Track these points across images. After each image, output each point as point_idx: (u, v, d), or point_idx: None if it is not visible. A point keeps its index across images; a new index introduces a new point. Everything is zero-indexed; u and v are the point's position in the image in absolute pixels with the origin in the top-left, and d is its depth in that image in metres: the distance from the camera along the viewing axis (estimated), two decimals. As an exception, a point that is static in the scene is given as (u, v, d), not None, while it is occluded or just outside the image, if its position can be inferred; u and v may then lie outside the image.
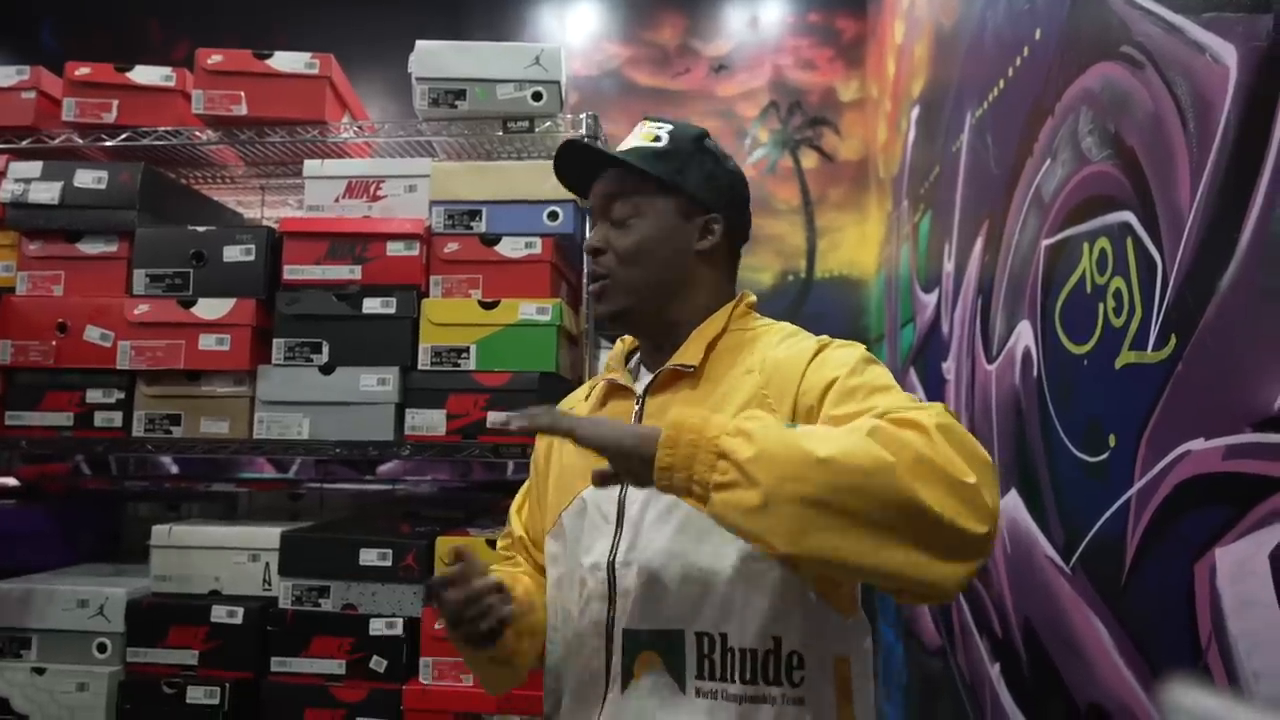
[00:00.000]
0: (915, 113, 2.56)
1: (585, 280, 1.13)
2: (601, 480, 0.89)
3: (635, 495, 1.02)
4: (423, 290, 1.87)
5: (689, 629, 0.96)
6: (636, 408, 1.07)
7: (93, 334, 1.87)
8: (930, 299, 2.31)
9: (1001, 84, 1.70)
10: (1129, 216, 1.14)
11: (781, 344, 1.05)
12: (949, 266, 2.10)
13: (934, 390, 2.24)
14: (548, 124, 1.94)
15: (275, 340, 1.85)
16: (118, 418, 1.88)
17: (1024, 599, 1.52)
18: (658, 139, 1.09)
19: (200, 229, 1.92)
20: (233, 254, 1.88)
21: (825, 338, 1.04)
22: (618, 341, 1.22)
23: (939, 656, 2.18)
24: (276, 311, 1.86)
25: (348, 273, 1.85)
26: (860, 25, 3.52)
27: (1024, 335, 1.53)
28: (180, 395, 1.87)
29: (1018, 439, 1.55)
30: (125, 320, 1.86)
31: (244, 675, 1.75)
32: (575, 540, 1.06)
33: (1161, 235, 1.05)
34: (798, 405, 0.95)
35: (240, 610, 1.76)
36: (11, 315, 1.90)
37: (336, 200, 1.93)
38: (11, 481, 2.57)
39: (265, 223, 2.42)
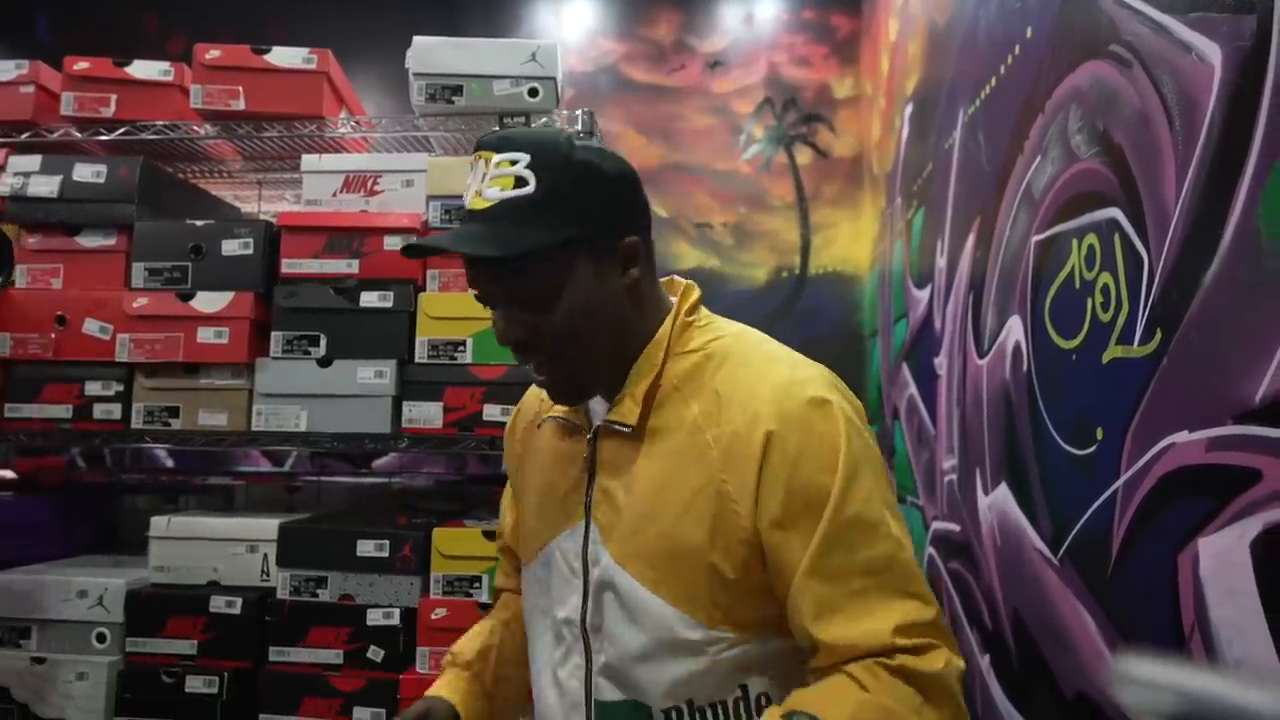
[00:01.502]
0: (909, 110, 2.58)
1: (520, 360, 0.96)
2: None
3: (594, 557, 0.95)
4: (420, 284, 1.89)
5: (656, 707, 0.91)
6: (586, 454, 0.97)
7: (92, 327, 1.88)
8: (923, 295, 2.33)
9: (994, 81, 1.72)
10: (1116, 213, 1.16)
11: (733, 379, 0.92)
12: (941, 262, 2.12)
13: (926, 385, 2.26)
14: (544, 120, 1.96)
15: (273, 333, 1.87)
16: (116, 410, 1.89)
17: (1013, 591, 1.54)
18: (522, 181, 0.86)
19: (199, 223, 1.93)
20: (231, 248, 1.89)
21: (779, 389, 0.89)
22: None
23: None
24: (274, 305, 1.88)
25: (345, 267, 1.87)
26: (855, 22, 3.54)
27: (1014, 330, 1.54)
28: (179, 388, 1.88)
29: (1008, 433, 1.57)
30: (124, 313, 1.87)
31: (242, 665, 1.76)
32: (547, 587, 1.00)
33: (1148, 231, 1.07)
34: (760, 520, 0.86)
35: (239, 600, 1.77)
36: (11, 308, 1.91)
37: (334, 195, 1.94)
38: (9, 474, 2.58)
39: (263, 217, 2.43)
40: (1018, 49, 1.58)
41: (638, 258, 0.93)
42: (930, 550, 2.17)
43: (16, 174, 1.94)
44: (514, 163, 0.86)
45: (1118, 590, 1.13)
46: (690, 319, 0.98)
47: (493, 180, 0.87)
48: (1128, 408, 1.10)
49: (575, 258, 0.89)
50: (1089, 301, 1.23)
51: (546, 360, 0.92)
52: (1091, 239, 1.23)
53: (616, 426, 0.94)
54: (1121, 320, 1.13)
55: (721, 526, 0.88)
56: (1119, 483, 1.12)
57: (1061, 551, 1.31)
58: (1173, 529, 0.99)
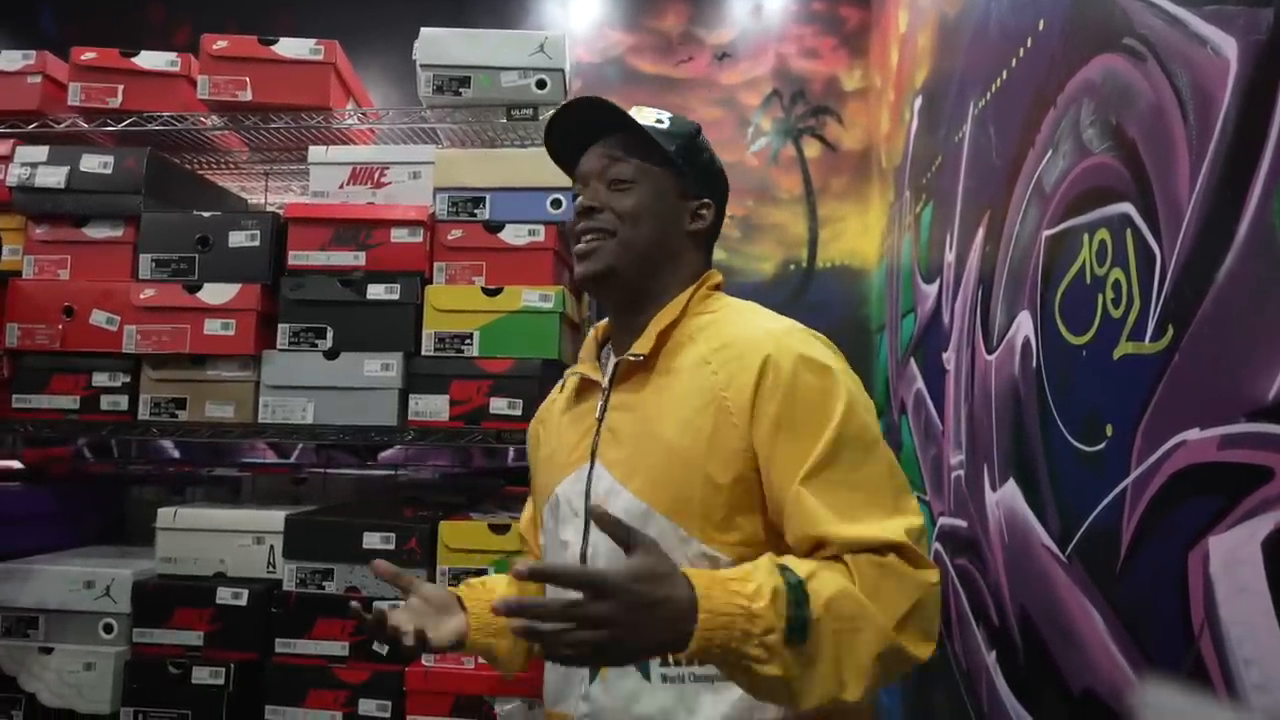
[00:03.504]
0: (918, 103, 2.56)
1: (571, 239, 1.11)
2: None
3: (598, 489, 1.04)
4: (426, 276, 1.88)
5: None
6: (601, 402, 1.09)
7: (99, 318, 1.89)
8: (931, 289, 2.32)
9: (1004, 74, 1.71)
10: (1128, 208, 1.15)
11: (736, 328, 1.06)
12: (950, 257, 2.11)
13: (934, 380, 2.25)
14: (551, 111, 1.94)
15: (280, 325, 1.87)
16: (123, 401, 1.89)
17: (1021, 587, 1.54)
18: (660, 121, 1.10)
19: (205, 214, 1.93)
20: (238, 239, 1.89)
21: (778, 330, 1.03)
22: (590, 330, 1.22)
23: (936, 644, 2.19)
24: (281, 297, 1.88)
25: (352, 259, 1.87)
26: (864, 14, 3.52)
27: (1024, 326, 1.54)
28: (186, 379, 1.89)
29: (1016, 429, 1.56)
30: (131, 304, 1.88)
31: (248, 656, 1.77)
32: (553, 533, 1.10)
33: (1160, 227, 1.06)
34: (755, 433, 0.97)
35: (245, 592, 1.78)
36: (18, 299, 1.91)
37: (341, 186, 1.94)
38: (16, 464, 2.59)
39: (269, 208, 2.43)
40: (1029, 42, 1.56)
41: (705, 221, 1.13)
42: (937, 546, 2.17)
43: (24, 164, 1.94)
44: (659, 119, 1.11)
45: (1126, 588, 1.13)
46: (712, 291, 1.14)
47: (643, 115, 1.10)
48: (1138, 404, 1.09)
49: (668, 179, 1.10)
50: (1100, 297, 1.22)
51: (600, 230, 1.07)
52: (1103, 234, 1.22)
53: (631, 357, 1.06)
54: (1133, 316, 1.12)
55: (719, 438, 0.98)
56: (1128, 480, 1.12)
57: (1070, 548, 1.30)
58: (1183, 527, 0.98)
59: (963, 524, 1.91)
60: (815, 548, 0.94)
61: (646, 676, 0.97)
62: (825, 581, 0.88)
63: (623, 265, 1.07)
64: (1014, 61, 1.64)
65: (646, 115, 1.11)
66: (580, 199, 1.10)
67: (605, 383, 1.10)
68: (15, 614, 1.80)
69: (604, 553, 1.01)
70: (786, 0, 3.57)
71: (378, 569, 1.09)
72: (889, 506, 0.95)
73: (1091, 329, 1.24)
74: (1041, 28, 1.50)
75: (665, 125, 1.10)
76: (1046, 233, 1.44)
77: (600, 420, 1.08)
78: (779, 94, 3.54)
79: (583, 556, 1.03)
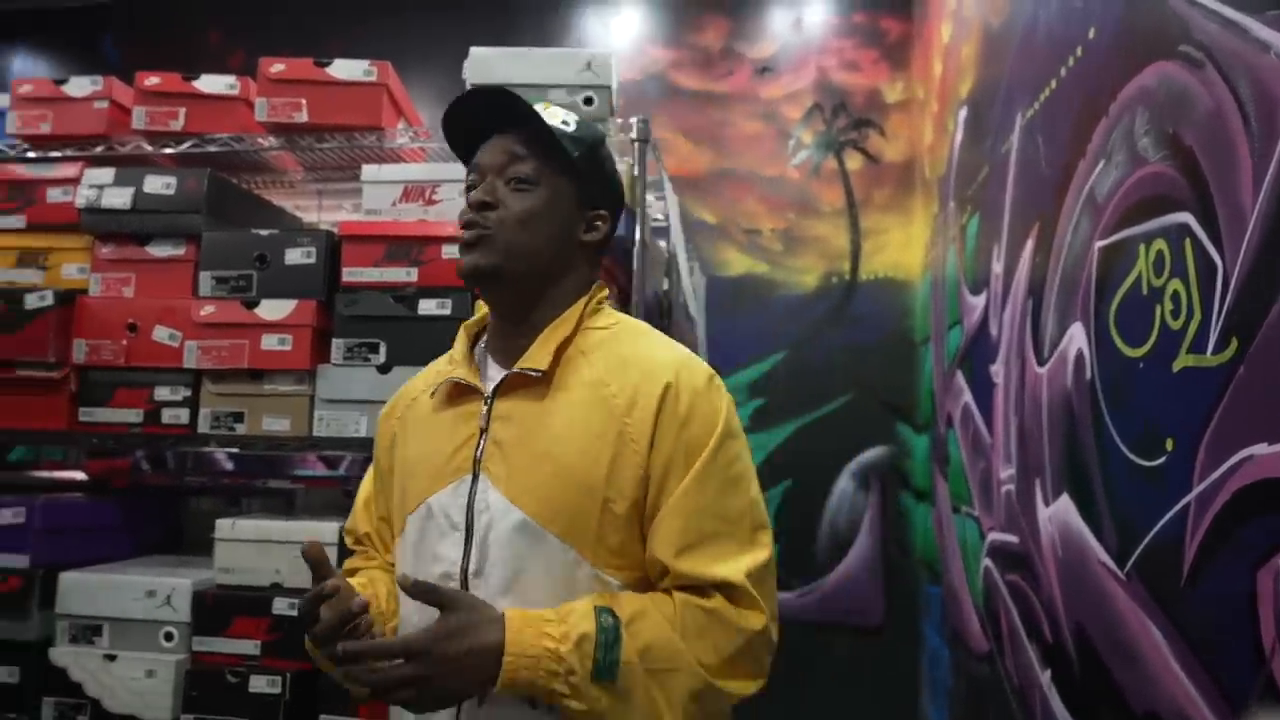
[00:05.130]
0: (963, 113, 2.54)
1: (461, 229, 1.06)
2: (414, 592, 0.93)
3: (483, 505, 1.00)
4: (477, 292, 1.91)
5: None
6: (485, 409, 1.04)
7: (161, 334, 1.94)
8: (978, 301, 2.30)
9: (1053, 84, 1.69)
10: (1187, 218, 1.13)
11: (634, 349, 1.06)
12: (998, 268, 2.09)
13: (982, 393, 2.23)
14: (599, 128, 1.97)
15: (334, 340, 1.91)
16: (184, 415, 1.94)
17: (1076, 604, 1.51)
18: (566, 123, 1.06)
19: (263, 232, 1.98)
20: (294, 256, 1.93)
21: (677, 359, 1.04)
22: (461, 330, 1.15)
23: (987, 662, 2.16)
24: (336, 312, 1.92)
25: (404, 275, 1.90)
26: (906, 26, 3.51)
27: (1077, 338, 1.52)
28: (243, 394, 1.93)
29: (1069, 442, 1.54)
30: (192, 321, 1.93)
31: (304, 666, 1.80)
32: (420, 545, 1.04)
33: (1222, 236, 1.04)
34: (653, 460, 0.99)
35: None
36: (86, 315, 1.98)
37: (393, 204, 1.98)
38: (80, 476, 2.67)
39: (322, 226, 2.48)
40: (1080, 50, 1.55)
41: (599, 233, 1.11)
42: (987, 561, 2.14)
43: (92, 186, 2.01)
44: (565, 121, 1.07)
45: (1190, 606, 1.10)
46: (600, 306, 1.12)
47: (549, 114, 1.06)
48: (1200, 418, 1.07)
49: (568, 185, 1.06)
50: (1157, 309, 1.20)
51: (487, 229, 1.03)
52: (1160, 244, 1.20)
53: (528, 372, 1.03)
54: (1193, 328, 1.10)
55: (619, 464, 0.99)
56: (1191, 495, 1.09)
57: (1129, 565, 1.28)
58: (1251, 544, 0.96)
59: (1014, 539, 1.89)
60: (660, 572, 0.99)
61: (533, 705, 0.96)
62: (647, 624, 0.94)
63: (510, 266, 1.03)
64: (1063, 70, 1.63)
65: (554, 115, 1.06)
66: (475, 192, 1.05)
67: (489, 390, 1.05)
68: (81, 622, 1.85)
69: (490, 563, 0.99)
70: (827, 14, 3.57)
71: (309, 552, 1.00)
72: (744, 540, 1.00)
73: (1149, 341, 1.23)
74: (1092, 36, 1.49)
75: (571, 129, 1.06)
76: (1100, 243, 1.42)
77: (484, 430, 1.03)
78: (820, 107, 3.53)
79: (465, 572, 1.00)
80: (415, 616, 1.01)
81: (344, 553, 1.81)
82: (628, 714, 0.93)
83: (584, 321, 1.08)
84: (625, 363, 1.04)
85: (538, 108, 1.06)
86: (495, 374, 1.07)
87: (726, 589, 0.97)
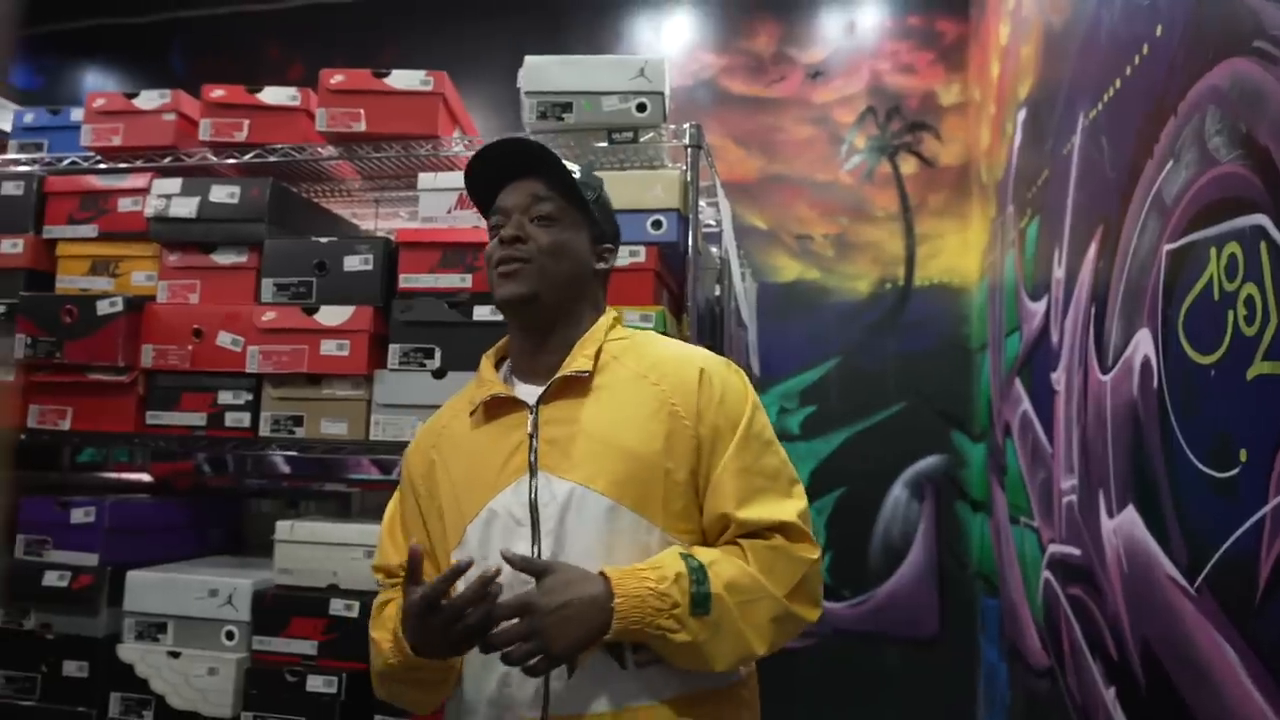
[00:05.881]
0: (1022, 115, 2.49)
1: (491, 266, 1.21)
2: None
3: (548, 497, 1.12)
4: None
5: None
6: (531, 417, 1.16)
7: (225, 339, 2.00)
8: (1038, 307, 2.24)
9: (1118, 83, 1.65)
10: (1263, 220, 1.09)
11: (657, 350, 1.22)
12: (1059, 273, 2.04)
13: (1042, 401, 2.17)
14: (651, 134, 1.97)
15: (391, 346, 1.94)
16: (246, 418, 1.99)
17: (1142, 619, 1.46)
18: (573, 171, 1.22)
19: (323, 240, 2.02)
20: (353, 264, 1.97)
21: (700, 351, 1.24)
22: (483, 359, 1.28)
23: (1047, 678, 2.11)
24: (392, 318, 1.95)
25: (459, 281, 1.93)
26: (962, 27, 3.45)
27: (1143, 344, 1.47)
28: (303, 398, 1.97)
29: (1135, 452, 1.49)
30: (254, 326, 1.98)
31: (360, 666, 1.82)
32: (485, 547, 1.12)
33: (1300, 240, 1.00)
34: (700, 430, 1.15)
35: (356, 604, 1.84)
36: (154, 321, 2.04)
37: (449, 211, 2.01)
38: (146, 477, 2.76)
39: (379, 233, 2.53)
40: (1146, 49, 1.51)
41: (608, 263, 1.28)
42: (1047, 574, 2.08)
43: (160, 196, 2.07)
44: (572, 169, 1.23)
45: (1266, 623, 1.06)
46: (616, 323, 1.27)
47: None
48: (1276, 428, 1.03)
49: (582, 222, 1.22)
50: (1230, 314, 1.16)
51: (521, 258, 1.17)
52: (1233, 247, 1.16)
53: (578, 374, 1.16)
54: (1269, 334, 1.06)
55: (674, 438, 1.14)
56: (1267, 508, 1.05)
57: (1199, 580, 1.24)
58: (1332, 558, 0.92)
59: (1076, 552, 1.83)
60: (722, 527, 1.14)
61: (623, 665, 1.07)
62: (725, 565, 1.08)
63: (544, 291, 1.17)
64: (1128, 70, 1.59)
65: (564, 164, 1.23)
66: (506, 229, 1.18)
67: (532, 401, 1.17)
68: (147, 620, 1.91)
69: (567, 547, 1.10)
70: (881, 16, 3.53)
71: (505, 555, 1.05)
72: (785, 490, 1.16)
73: (1221, 348, 1.18)
74: (1159, 33, 1.45)
75: (579, 175, 1.22)
76: (1168, 247, 1.38)
77: (533, 435, 1.15)
78: (873, 111, 3.49)
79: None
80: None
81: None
82: (721, 641, 1.06)
83: (608, 335, 1.23)
84: (656, 359, 1.20)
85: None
86: (525, 389, 1.20)
87: (784, 529, 1.12)
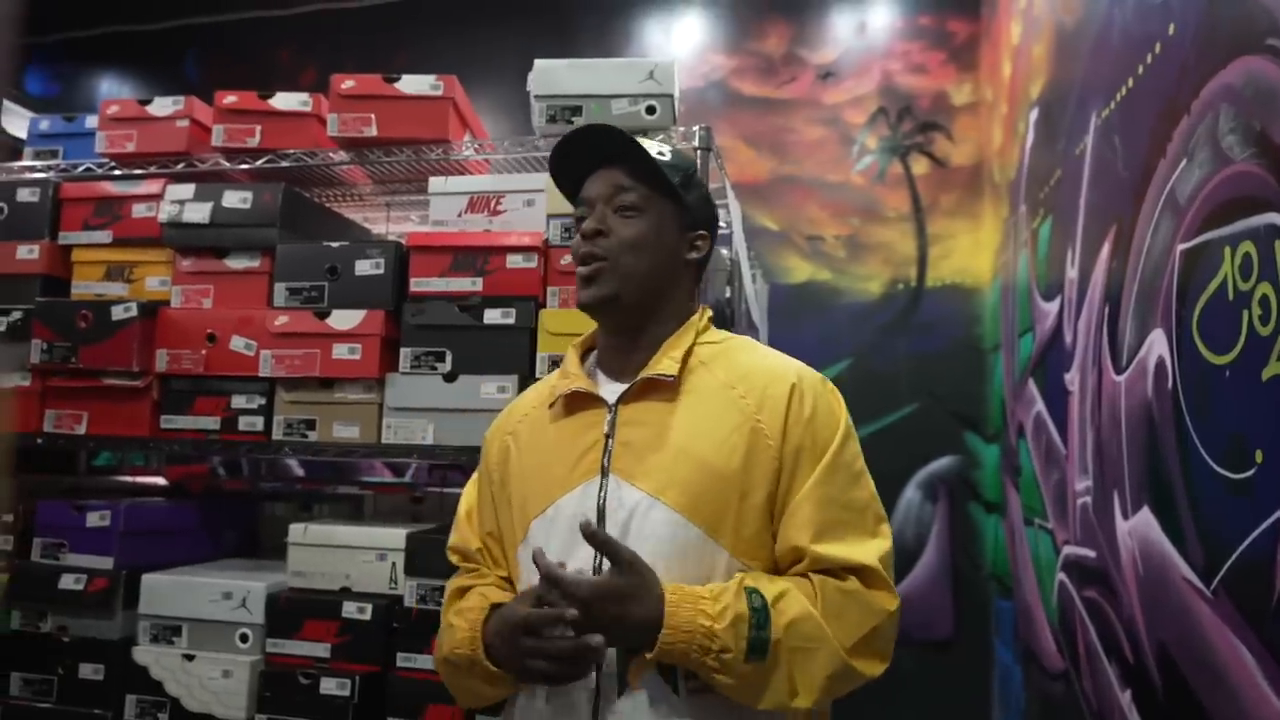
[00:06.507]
0: (1034, 115, 2.48)
1: (576, 261, 1.15)
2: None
3: (616, 504, 1.06)
4: (540, 301, 1.93)
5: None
6: (609, 416, 1.11)
7: (238, 344, 2.01)
8: (1051, 307, 2.23)
9: (1130, 82, 1.64)
10: (1277, 219, 1.08)
11: (751, 359, 1.15)
12: (1072, 273, 2.03)
13: (1056, 402, 2.16)
14: (660, 137, 1.98)
15: (402, 349, 1.94)
16: (259, 422, 2.00)
17: (1158, 622, 1.45)
18: (662, 154, 1.15)
19: (334, 244, 2.03)
20: (364, 268, 1.98)
21: (794, 365, 1.14)
22: (569, 349, 1.22)
23: (1061, 680, 2.09)
24: (403, 322, 1.95)
25: (470, 285, 1.93)
26: (973, 27, 3.44)
27: (1157, 345, 1.46)
28: (315, 401, 1.98)
29: (1150, 454, 1.48)
30: (267, 331, 1.99)
31: (372, 669, 1.83)
32: (548, 547, 1.06)
33: (1316, 239, 0.99)
34: (784, 450, 1.07)
35: (369, 607, 1.85)
36: (168, 326, 2.06)
37: (459, 215, 2.01)
38: (161, 481, 2.78)
39: (390, 237, 2.54)
40: (1158, 47, 1.50)
41: (701, 252, 1.19)
42: (1061, 576, 2.07)
43: (173, 202, 2.08)
44: (661, 152, 1.15)
45: (1283, 625, 1.05)
46: (709, 325, 1.21)
47: (646, 145, 1.13)
48: (1293, 428, 1.02)
49: (669, 209, 1.15)
50: (1245, 314, 1.15)
51: (601, 255, 1.11)
52: (1247, 247, 1.15)
53: (662, 377, 1.10)
54: (1285, 334, 1.05)
55: (754, 458, 1.06)
56: (1284, 509, 1.04)
57: (1215, 582, 1.23)
58: (1350, 561, 0.91)
59: (1090, 554, 1.82)
60: (794, 559, 1.05)
61: (675, 690, 1.01)
62: (791, 602, 1.00)
63: (625, 291, 1.11)
64: (1141, 68, 1.58)
65: (650, 147, 1.14)
66: (587, 222, 1.13)
67: (612, 400, 1.12)
68: (162, 622, 1.92)
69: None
70: (892, 16, 3.52)
71: (538, 559, 1.01)
72: (869, 529, 1.07)
73: (1236, 348, 1.17)
74: (1172, 32, 1.44)
75: (668, 158, 1.15)
76: (1181, 246, 1.37)
77: (609, 436, 1.09)
78: (885, 111, 3.48)
79: (596, 570, 1.04)
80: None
81: (410, 559, 1.86)
82: (766, 688, 0.98)
83: (700, 335, 1.16)
84: (747, 369, 1.13)
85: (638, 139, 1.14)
86: (609, 386, 1.15)
87: (861, 572, 1.03)
